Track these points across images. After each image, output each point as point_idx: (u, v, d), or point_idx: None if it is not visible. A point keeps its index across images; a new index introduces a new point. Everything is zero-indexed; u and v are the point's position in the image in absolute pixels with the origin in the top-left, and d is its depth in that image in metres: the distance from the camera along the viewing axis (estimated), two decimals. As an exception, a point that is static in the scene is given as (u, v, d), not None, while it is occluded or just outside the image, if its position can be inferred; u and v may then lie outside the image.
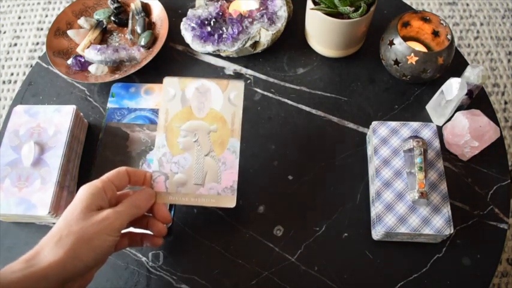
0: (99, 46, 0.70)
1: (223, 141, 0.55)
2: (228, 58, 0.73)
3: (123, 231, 0.48)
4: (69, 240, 0.42)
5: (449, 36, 0.64)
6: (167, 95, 0.56)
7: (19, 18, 1.56)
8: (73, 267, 0.42)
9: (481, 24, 1.50)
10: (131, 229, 0.52)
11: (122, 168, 0.50)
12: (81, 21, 0.75)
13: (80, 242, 0.42)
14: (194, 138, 0.54)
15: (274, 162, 0.63)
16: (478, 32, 1.49)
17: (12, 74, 1.44)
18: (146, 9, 0.77)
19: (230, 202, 0.53)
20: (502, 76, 1.40)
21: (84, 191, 0.46)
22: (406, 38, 0.66)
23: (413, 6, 1.52)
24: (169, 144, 0.54)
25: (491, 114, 0.64)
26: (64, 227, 0.43)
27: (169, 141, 0.55)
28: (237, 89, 0.56)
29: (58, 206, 0.57)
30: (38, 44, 1.50)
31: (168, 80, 0.57)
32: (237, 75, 0.71)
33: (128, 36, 0.75)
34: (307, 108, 0.68)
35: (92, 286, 0.48)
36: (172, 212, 0.59)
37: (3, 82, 1.43)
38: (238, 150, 0.54)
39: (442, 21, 0.66)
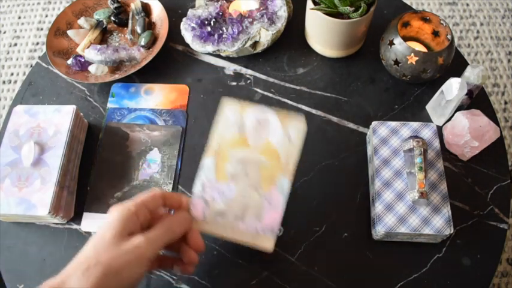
0: (99, 46, 0.70)
1: (272, 177, 0.50)
2: (228, 58, 0.73)
3: None
4: (97, 270, 0.40)
5: (449, 36, 0.64)
6: (226, 120, 0.52)
7: (19, 18, 1.56)
8: None
9: (481, 24, 1.50)
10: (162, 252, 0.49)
11: (158, 192, 0.47)
12: (81, 21, 0.75)
13: (108, 273, 0.40)
14: (244, 169, 0.50)
15: (274, 162, 0.63)
16: (478, 32, 1.49)
17: (12, 74, 1.44)
18: (146, 9, 0.77)
19: (268, 243, 0.49)
20: (502, 76, 1.40)
21: (116, 215, 0.43)
22: (406, 38, 0.66)
23: (413, 6, 1.52)
24: (217, 170, 0.50)
25: (491, 114, 0.64)
26: (93, 255, 0.41)
27: (217, 166, 0.51)
28: (298, 125, 0.52)
29: (58, 206, 0.57)
30: (38, 44, 1.50)
31: (227, 102, 0.53)
32: (238, 75, 0.71)
33: (128, 36, 0.75)
34: (307, 108, 0.68)
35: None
36: None
37: (3, 82, 1.43)
38: (288, 191, 0.50)
39: (442, 21, 0.66)
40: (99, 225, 0.44)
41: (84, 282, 0.39)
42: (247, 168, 0.51)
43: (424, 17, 0.67)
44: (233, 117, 0.52)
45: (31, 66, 1.45)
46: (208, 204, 0.50)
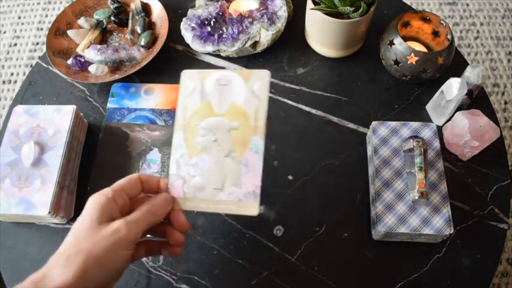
0: (99, 46, 0.70)
1: (245, 139, 0.48)
2: (228, 58, 0.73)
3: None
4: (77, 259, 0.39)
5: (449, 36, 0.64)
6: (185, 90, 0.51)
7: (19, 18, 1.56)
8: None
9: (481, 24, 1.50)
10: (148, 236, 0.48)
11: (134, 175, 0.46)
12: (81, 21, 0.75)
13: (89, 260, 0.39)
14: (213, 138, 0.49)
15: (274, 162, 0.63)
16: (478, 32, 1.49)
17: (12, 74, 1.44)
18: (146, 9, 0.77)
19: (252, 209, 0.47)
20: (502, 76, 1.40)
21: (92, 202, 0.42)
22: (406, 38, 0.66)
23: (413, 6, 1.52)
24: (187, 145, 0.49)
25: (491, 114, 0.64)
26: (73, 244, 0.40)
27: (187, 141, 0.49)
28: (261, 79, 0.49)
29: (58, 206, 0.57)
30: (38, 44, 1.50)
31: (186, 74, 0.51)
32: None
33: (128, 36, 0.75)
34: (307, 108, 0.68)
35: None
36: None
37: (3, 82, 1.43)
38: (262, 150, 0.48)
39: (442, 21, 0.66)
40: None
41: (65, 272, 0.38)
42: (218, 136, 0.49)
43: (424, 17, 0.67)
44: (193, 86, 0.51)
45: (31, 66, 1.45)
46: (185, 181, 0.48)
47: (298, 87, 0.70)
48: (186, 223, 0.47)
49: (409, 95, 0.69)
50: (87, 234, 0.40)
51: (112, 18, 0.76)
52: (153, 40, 0.73)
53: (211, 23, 0.72)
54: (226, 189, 0.48)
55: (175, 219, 0.47)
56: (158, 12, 0.76)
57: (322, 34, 0.68)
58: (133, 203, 0.46)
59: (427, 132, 0.60)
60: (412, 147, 0.55)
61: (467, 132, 0.59)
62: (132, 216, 0.43)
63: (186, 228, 0.47)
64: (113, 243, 0.40)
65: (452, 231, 0.53)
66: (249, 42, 0.70)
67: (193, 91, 0.51)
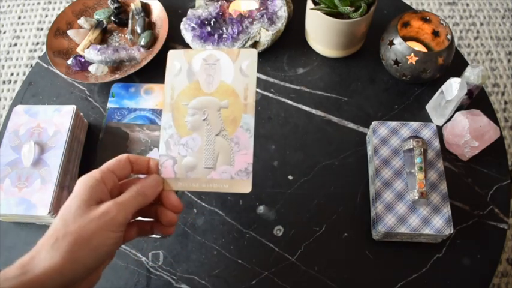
0: (99, 46, 0.70)
1: (235, 118, 0.48)
2: (228, 58, 0.73)
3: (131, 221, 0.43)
4: (65, 241, 0.38)
5: (449, 36, 0.64)
6: (172, 70, 0.51)
7: (19, 18, 1.56)
8: (72, 271, 0.38)
9: (481, 24, 1.50)
10: (139, 218, 0.47)
11: (123, 156, 0.45)
12: (81, 21, 0.75)
13: (78, 242, 0.38)
14: (203, 117, 0.49)
15: (274, 162, 0.63)
16: (478, 32, 1.49)
17: (12, 74, 1.44)
18: (146, 9, 0.77)
19: (245, 187, 0.47)
20: (502, 76, 1.40)
21: (80, 185, 0.41)
22: (406, 38, 0.66)
23: (413, 6, 1.52)
24: (176, 125, 0.49)
25: (491, 114, 0.64)
26: (60, 226, 0.39)
27: (176, 121, 0.49)
28: (249, 57, 0.49)
29: (58, 206, 0.57)
30: (38, 44, 1.50)
31: (172, 53, 0.51)
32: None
33: (128, 36, 0.75)
34: (307, 108, 0.68)
35: (92, 286, 0.47)
36: None
37: (3, 82, 1.43)
38: (253, 127, 0.48)
39: (442, 21, 0.66)
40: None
41: (53, 254, 0.38)
42: (207, 114, 0.49)
43: (424, 17, 0.67)
44: (180, 65, 0.51)
45: (31, 66, 1.45)
46: (176, 161, 0.48)
47: (298, 87, 0.70)
48: (179, 203, 0.46)
49: (409, 95, 0.69)
50: (75, 216, 0.40)
51: (112, 18, 0.76)
52: (153, 40, 0.73)
53: (211, 23, 0.72)
54: (218, 167, 0.47)
55: (167, 200, 0.46)
56: (158, 12, 0.76)
57: (322, 34, 0.68)
58: (123, 185, 0.45)
59: (427, 132, 0.60)
60: (412, 147, 0.55)
61: (467, 132, 0.59)
62: (121, 197, 0.42)
63: (179, 209, 0.46)
64: (102, 225, 0.39)
65: (452, 231, 0.53)
66: (249, 42, 0.70)
67: (180, 71, 0.50)
